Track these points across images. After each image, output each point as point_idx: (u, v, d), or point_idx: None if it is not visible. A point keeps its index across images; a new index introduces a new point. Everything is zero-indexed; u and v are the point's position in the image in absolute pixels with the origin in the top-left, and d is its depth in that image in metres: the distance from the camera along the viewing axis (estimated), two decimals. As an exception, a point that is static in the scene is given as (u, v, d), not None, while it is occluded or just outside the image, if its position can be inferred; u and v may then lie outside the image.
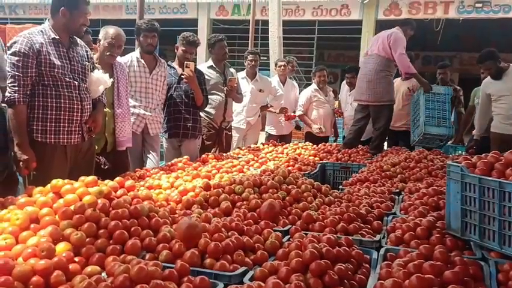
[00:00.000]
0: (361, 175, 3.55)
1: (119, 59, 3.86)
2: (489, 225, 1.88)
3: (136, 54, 4.25)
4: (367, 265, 1.89)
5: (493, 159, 1.96)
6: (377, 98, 5.06)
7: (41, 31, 2.96)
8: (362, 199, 2.76)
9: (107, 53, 3.61)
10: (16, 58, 2.82)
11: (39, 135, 2.96)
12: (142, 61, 4.20)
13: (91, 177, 2.31)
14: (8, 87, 2.84)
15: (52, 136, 2.98)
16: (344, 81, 6.50)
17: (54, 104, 2.96)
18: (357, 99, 5.30)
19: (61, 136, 3.01)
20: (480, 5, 11.46)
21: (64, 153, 3.06)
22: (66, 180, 2.26)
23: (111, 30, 3.64)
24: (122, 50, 3.77)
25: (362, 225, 2.33)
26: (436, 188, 2.74)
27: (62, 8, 2.94)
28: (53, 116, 2.97)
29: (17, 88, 2.82)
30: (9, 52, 2.86)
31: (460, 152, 5.57)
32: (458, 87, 6.44)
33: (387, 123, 5.16)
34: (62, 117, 2.99)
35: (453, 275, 1.60)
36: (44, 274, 1.58)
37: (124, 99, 3.78)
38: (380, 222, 2.41)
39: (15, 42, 2.86)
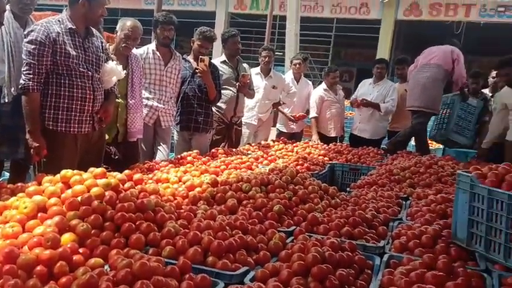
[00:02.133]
0: (370, 178, 3.53)
1: (134, 50, 3.88)
2: (495, 237, 1.85)
3: (152, 46, 4.27)
4: (369, 271, 1.89)
5: (504, 171, 1.93)
6: (428, 105, 5.20)
7: (59, 20, 2.99)
8: (368, 203, 2.74)
9: (123, 45, 3.64)
10: (32, 46, 2.86)
11: (51, 123, 2.99)
12: (158, 53, 4.22)
13: (100, 169, 2.34)
14: (22, 75, 2.88)
15: (63, 125, 3.02)
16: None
17: (67, 93, 2.99)
18: (409, 106, 5.39)
19: (72, 125, 3.04)
20: (503, 9, 11.26)
21: (74, 142, 3.09)
22: (75, 171, 2.29)
23: (128, 22, 3.66)
24: (139, 41, 3.79)
25: (367, 230, 2.32)
26: (445, 195, 2.71)
27: None
28: (65, 105, 3.00)
29: (31, 76, 2.86)
30: (26, 40, 2.90)
31: (469, 158, 5.52)
32: (489, 96, 6.28)
33: (421, 129, 5.33)
34: (74, 106, 3.02)
35: (455, 286, 1.59)
36: (48, 264, 1.61)
37: (138, 90, 3.81)
38: (385, 227, 2.40)
39: (32, 31, 2.89)
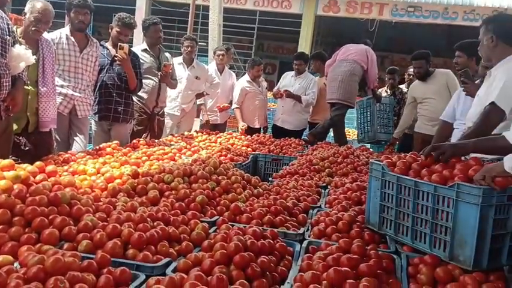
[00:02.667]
0: (291, 168, 3.63)
1: (46, 35, 3.63)
2: (403, 221, 2.00)
3: (65, 31, 4.02)
4: (290, 257, 1.95)
5: (411, 160, 2.08)
6: (346, 97, 5.49)
7: None
8: (289, 192, 2.83)
9: (33, 28, 3.38)
10: None
11: None
12: (72, 39, 3.98)
13: (7, 161, 2.17)
14: None
15: None
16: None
17: None
18: (328, 99, 5.66)
19: None
20: (412, 9, 12.08)
21: None
22: (-22, 163, 2.10)
23: (38, 4, 3.40)
24: (50, 25, 3.54)
25: (288, 218, 2.39)
26: (360, 183, 2.87)
27: None
28: None
29: None
30: None
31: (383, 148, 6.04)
32: (405, 90, 6.71)
33: (339, 120, 5.65)
34: None
35: (367, 268, 1.69)
36: None
37: (50, 77, 3.56)
38: (305, 215, 2.49)
39: None
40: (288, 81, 6.28)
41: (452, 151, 1.98)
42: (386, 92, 6.61)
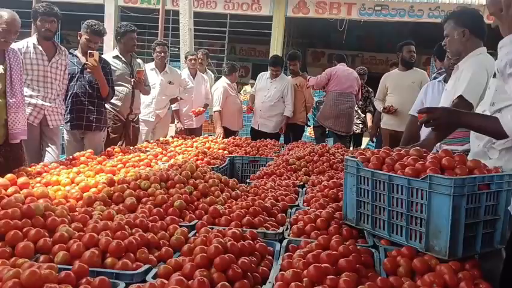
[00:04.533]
0: (268, 168, 3.64)
1: (12, 44, 3.54)
2: (380, 215, 2.03)
3: (32, 40, 3.95)
4: (270, 257, 1.96)
5: (384, 155, 2.12)
6: (351, 129, 6.44)
7: None
8: (267, 192, 2.84)
9: (2, 40, 3.29)
10: None
11: None
12: (40, 48, 3.91)
13: (-23, 174, 2.11)
14: None
15: None
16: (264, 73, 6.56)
17: None
18: (337, 130, 6.28)
19: None
20: (379, 8, 12.32)
21: None
22: None
23: (5, 14, 3.31)
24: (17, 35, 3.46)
25: (267, 218, 2.40)
26: (336, 180, 2.91)
27: None
28: None
29: None
30: None
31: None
32: (371, 90, 6.93)
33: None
34: None
35: (347, 263, 1.71)
36: None
37: (18, 88, 3.48)
38: (284, 214, 2.50)
39: None
40: (264, 83, 6.35)
41: (447, 117, 2.01)
42: None
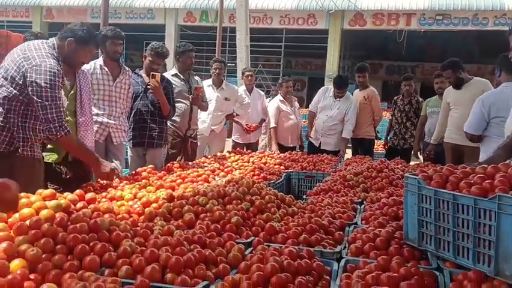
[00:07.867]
0: (325, 184, 3.59)
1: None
2: (444, 235, 1.94)
3: (99, 61, 4.19)
4: (328, 277, 1.92)
5: (448, 172, 2.02)
6: None
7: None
8: (324, 209, 2.79)
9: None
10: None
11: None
12: (106, 68, 4.14)
13: (49, 190, 2.25)
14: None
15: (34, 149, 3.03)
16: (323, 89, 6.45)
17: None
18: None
19: (36, 150, 3.03)
20: (440, 17, 11.90)
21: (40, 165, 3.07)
22: (23, 194, 2.19)
23: None
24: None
25: (324, 236, 2.36)
26: (396, 198, 2.80)
27: None
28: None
29: None
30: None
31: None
32: (421, 99, 6.65)
33: None
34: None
35: (408, 286, 1.64)
36: (-4, 293, 1.53)
37: (87, 107, 3.70)
38: (341, 232, 2.45)
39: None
40: (328, 102, 6.08)
41: None
42: (402, 100, 6.50)
